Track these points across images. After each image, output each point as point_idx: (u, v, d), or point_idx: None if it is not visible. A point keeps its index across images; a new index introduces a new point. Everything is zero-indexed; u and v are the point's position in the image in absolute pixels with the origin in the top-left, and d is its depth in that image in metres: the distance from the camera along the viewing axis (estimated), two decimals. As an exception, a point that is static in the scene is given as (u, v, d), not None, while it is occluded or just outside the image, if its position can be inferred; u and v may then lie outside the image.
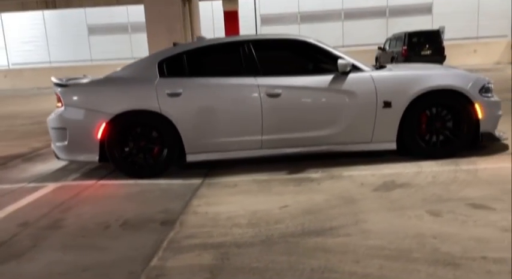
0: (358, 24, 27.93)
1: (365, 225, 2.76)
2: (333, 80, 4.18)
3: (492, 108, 4.29)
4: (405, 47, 16.55)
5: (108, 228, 2.98)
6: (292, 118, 4.22)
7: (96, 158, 4.19)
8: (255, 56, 4.27)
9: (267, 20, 28.99)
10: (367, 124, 4.23)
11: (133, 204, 3.49)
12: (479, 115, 4.22)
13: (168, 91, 4.13)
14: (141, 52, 28.71)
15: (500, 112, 4.40)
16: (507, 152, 4.37)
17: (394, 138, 4.26)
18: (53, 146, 4.38)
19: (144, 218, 3.13)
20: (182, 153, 4.24)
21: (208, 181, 4.04)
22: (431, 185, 3.47)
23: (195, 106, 4.17)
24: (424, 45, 16.55)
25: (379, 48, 19.57)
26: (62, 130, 4.22)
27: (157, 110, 4.11)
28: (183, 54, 4.32)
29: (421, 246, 2.40)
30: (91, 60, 29.38)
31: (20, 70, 26.75)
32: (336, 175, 3.95)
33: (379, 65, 4.95)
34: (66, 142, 4.22)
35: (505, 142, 4.62)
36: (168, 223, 3.02)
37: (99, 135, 4.12)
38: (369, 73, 4.24)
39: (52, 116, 4.29)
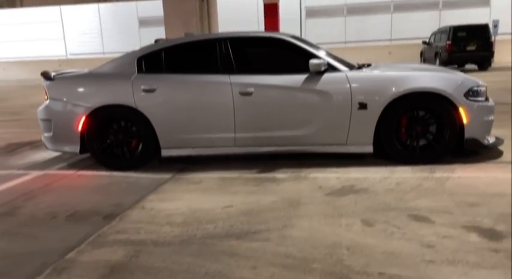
0: (408, 17, 26.81)
1: (290, 231, 2.70)
2: (306, 80, 4.09)
3: (480, 113, 4.02)
4: (449, 42, 15.68)
5: (54, 218, 3.14)
6: (264, 117, 4.18)
7: (78, 149, 4.40)
8: (231, 54, 4.27)
9: (312, 12, 28.57)
10: (342, 126, 4.11)
11: (93, 196, 3.64)
12: (464, 120, 3.97)
13: (144, 87, 4.23)
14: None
15: (491, 117, 4.11)
16: (497, 160, 4.08)
17: (371, 140, 4.11)
18: (42, 137, 4.64)
19: (93, 211, 3.26)
20: (159, 148, 4.34)
21: (178, 176, 4.12)
22: (388, 193, 3.33)
23: (169, 102, 4.24)
24: (470, 40, 15.56)
25: (424, 42, 18.71)
26: (47, 121, 4.46)
27: (133, 105, 4.23)
28: (162, 51, 4.40)
29: (327, 257, 2.32)
30: (141, 51, 30.35)
31: (76, 60, 28.24)
32: (302, 177, 3.89)
33: (363, 64, 4.75)
34: (51, 133, 4.46)
35: (501, 148, 4.33)
36: (111, 216, 3.12)
37: (80, 128, 4.31)
38: (344, 74, 4.10)
39: (40, 108, 4.54)
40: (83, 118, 4.29)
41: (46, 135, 4.52)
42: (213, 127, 4.24)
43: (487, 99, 4.19)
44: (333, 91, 4.06)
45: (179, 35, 8.44)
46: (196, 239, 2.66)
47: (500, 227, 2.60)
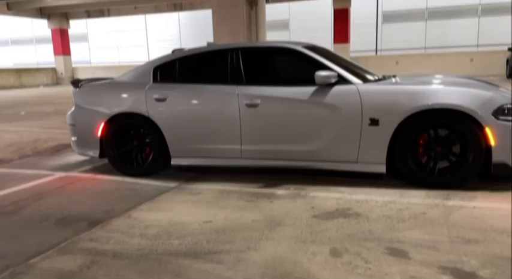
0: (497, 21, 24.69)
1: (250, 254, 2.56)
2: (315, 92, 3.89)
3: (511, 135, 3.52)
4: (537, 49, 14.15)
5: (45, 221, 3.29)
6: (271, 130, 4.05)
7: (98, 154, 4.60)
8: (241, 64, 4.19)
9: (389, 17, 27.43)
10: (352, 143, 3.83)
11: (93, 200, 3.77)
12: (492, 142, 3.51)
13: (156, 96, 4.31)
14: (260, 50, 29.88)
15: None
16: (533, 189, 3.55)
17: (383, 160, 3.79)
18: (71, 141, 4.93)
19: (84, 216, 3.36)
20: (169, 156, 4.40)
21: (183, 185, 4.13)
22: (380, 220, 3.03)
23: (179, 112, 4.28)
24: None
25: (509, 49, 17.07)
26: (73, 126, 4.72)
27: (146, 114, 4.33)
28: (176, 61, 4.45)
29: (268, 288, 2.16)
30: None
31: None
32: (302, 195, 3.69)
33: (384, 76, 4.41)
34: (76, 138, 4.72)
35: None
36: (96, 223, 3.20)
37: (99, 133, 4.51)
38: (355, 86, 3.83)
39: (68, 113, 4.83)
40: (102, 125, 4.48)
41: (73, 139, 4.79)
42: (220, 138, 4.19)
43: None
44: (342, 105, 3.81)
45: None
46: (154, 255, 2.62)
47: (485, 272, 2.23)
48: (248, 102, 4.04)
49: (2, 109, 12.41)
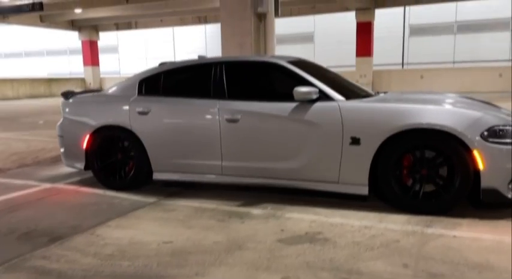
0: (531, 35, 23.82)
1: (194, 280, 2.42)
2: (296, 108, 3.73)
3: (503, 158, 3.25)
4: None
5: (10, 234, 3.25)
6: (251, 146, 3.91)
7: (83, 166, 4.58)
8: (224, 78, 4.10)
9: (417, 30, 26.90)
10: (333, 162, 3.65)
11: (66, 214, 3.71)
12: (480, 166, 3.25)
13: (139, 109, 4.26)
14: (284, 62, 29.88)
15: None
16: (527, 217, 3.27)
17: (365, 180, 3.58)
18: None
19: (49, 231, 3.31)
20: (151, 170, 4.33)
21: (162, 201, 4.03)
22: (347, 247, 2.83)
23: (160, 126, 4.20)
24: None
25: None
26: (61, 137, 4.73)
27: (128, 127, 4.28)
28: (161, 74, 4.40)
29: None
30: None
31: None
32: (277, 215, 3.52)
33: (376, 93, 4.22)
34: (63, 149, 4.72)
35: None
36: (56, 239, 3.13)
37: (85, 145, 4.49)
38: (337, 103, 3.65)
39: (57, 124, 4.84)
40: (87, 137, 4.46)
41: (61, 150, 4.79)
42: (201, 154, 4.09)
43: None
44: (322, 122, 3.64)
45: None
46: (98, 277, 2.51)
47: (438, 314, 2.01)
48: (229, 117, 3.93)
49: (24, 117, 12.76)
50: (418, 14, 25.99)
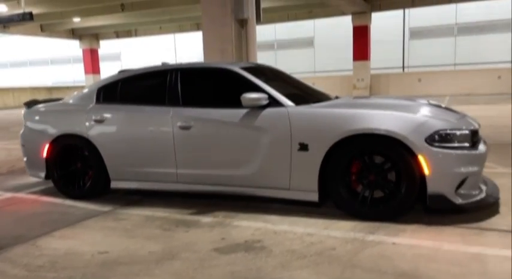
0: (531, 36, 23.58)
1: (111, 292, 2.38)
2: (246, 115, 3.69)
3: (449, 163, 3.18)
4: None
5: (-49, 245, 3.24)
6: (203, 154, 3.88)
7: (44, 175, 4.57)
8: (178, 85, 4.07)
9: (417, 33, 26.76)
10: (283, 169, 3.60)
11: (14, 224, 3.70)
12: (426, 171, 3.18)
13: (95, 118, 4.25)
14: (284, 68, 29.87)
15: (471, 169, 3.23)
16: (479, 224, 3.17)
17: (315, 187, 3.52)
18: (25, 161, 4.93)
19: (-9, 242, 3.30)
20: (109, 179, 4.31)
21: (116, 210, 4.00)
22: (281, 255, 2.77)
23: (116, 134, 4.19)
24: None
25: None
26: (23, 147, 4.73)
27: (85, 135, 4.26)
28: (119, 81, 4.39)
29: None
30: (241, 75, 31.38)
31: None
32: (225, 223, 3.47)
33: (336, 97, 4.18)
34: (26, 158, 4.72)
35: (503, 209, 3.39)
36: (-5, 250, 3.12)
37: (45, 154, 4.48)
38: (285, 109, 3.61)
39: (20, 133, 4.84)
40: (47, 146, 4.45)
41: (24, 159, 4.79)
42: (156, 162, 4.06)
43: (474, 145, 3.32)
44: (271, 128, 3.60)
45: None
46: (19, 288, 2.49)
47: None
48: (181, 124, 3.90)
49: (15, 126, 12.83)
50: (418, 16, 25.87)
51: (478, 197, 3.30)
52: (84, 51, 28.43)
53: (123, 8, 18.22)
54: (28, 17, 11.38)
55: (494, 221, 3.21)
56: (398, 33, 27.14)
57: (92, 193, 4.36)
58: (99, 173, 4.28)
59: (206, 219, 3.61)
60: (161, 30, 26.40)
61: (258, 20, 8.69)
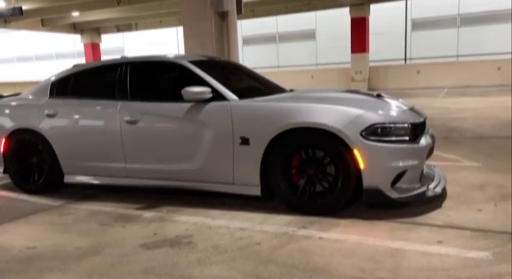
0: (535, 26, 23.09)
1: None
2: (190, 109, 3.66)
3: (384, 157, 3.12)
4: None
5: None
6: (150, 148, 3.86)
7: (1, 170, 4.59)
8: (127, 79, 4.05)
9: (419, 24, 26.38)
10: (226, 163, 3.57)
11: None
12: (361, 165, 3.13)
13: (47, 112, 4.25)
14: (286, 61, 29.72)
15: (411, 163, 3.17)
16: (414, 219, 3.12)
17: (257, 181, 3.49)
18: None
19: None
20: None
21: (66, 205, 4.00)
22: (204, 251, 2.75)
23: (66, 128, 4.18)
24: None
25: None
26: (-17, 142, 4.74)
27: (38, 130, 4.27)
28: (71, 76, 4.38)
29: None
30: (243, 68, 31.24)
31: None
32: (166, 218, 3.46)
33: (291, 90, 4.13)
34: (-14, 154, 4.74)
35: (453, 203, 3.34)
36: None
37: (2, 149, 4.50)
38: (228, 103, 3.57)
39: (-20, 128, 4.85)
40: (3, 140, 4.46)
41: (-14, 154, 4.81)
42: (106, 156, 4.05)
43: (414, 139, 3.26)
44: (214, 123, 3.57)
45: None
46: None
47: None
48: (128, 118, 3.88)
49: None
50: (420, 7, 25.49)
51: (417, 192, 3.24)
52: (85, 45, 28.52)
53: (119, 1, 18.20)
54: (18, 11, 11.44)
55: (431, 216, 3.15)
56: (400, 25, 26.79)
57: (47, 187, 4.37)
58: (53, 168, 4.29)
59: (149, 214, 3.60)
60: (161, 24, 26.34)
61: (239, 13, 8.62)
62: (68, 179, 4.30)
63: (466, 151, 5.41)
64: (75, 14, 22.10)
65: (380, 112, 3.28)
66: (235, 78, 4.31)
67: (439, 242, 2.66)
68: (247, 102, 3.58)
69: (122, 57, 4.63)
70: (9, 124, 4.43)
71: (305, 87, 21.91)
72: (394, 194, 3.15)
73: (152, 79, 4.14)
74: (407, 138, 3.23)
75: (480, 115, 8.62)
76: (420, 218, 3.12)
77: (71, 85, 4.34)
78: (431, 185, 3.41)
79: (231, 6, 8.26)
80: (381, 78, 20.62)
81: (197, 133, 3.63)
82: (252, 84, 4.32)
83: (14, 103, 4.61)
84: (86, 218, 3.59)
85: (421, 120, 3.46)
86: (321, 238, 2.85)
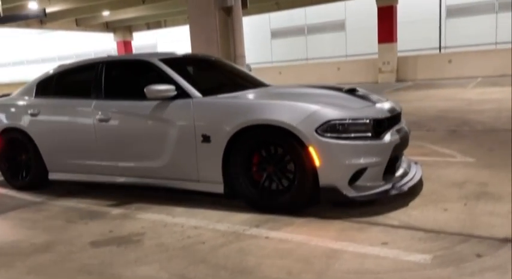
0: None
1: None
2: (156, 107, 3.67)
3: (341, 154, 3.01)
4: None
5: None
6: (121, 146, 3.91)
7: (-7, 168, 4.79)
8: (102, 78, 4.11)
9: (454, 11, 25.24)
10: (190, 161, 3.55)
11: None
12: (317, 163, 3.03)
13: (31, 111, 4.39)
14: (315, 53, 29.29)
15: (364, 160, 3.03)
16: (369, 218, 3.00)
17: (220, 179, 3.46)
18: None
19: None
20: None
21: (46, 201, 4.10)
22: (145, 250, 2.75)
23: (48, 126, 4.30)
24: None
25: None
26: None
27: (24, 129, 4.42)
28: (54, 75, 4.49)
29: None
30: (271, 62, 31.23)
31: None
32: (131, 216, 3.49)
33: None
34: (-20, 151, 4.96)
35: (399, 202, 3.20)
36: None
37: (-6, 147, 4.70)
38: (190, 101, 3.55)
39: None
40: (-5, 139, 4.66)
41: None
42: (83, 154, 4.14)
43: (378, 135, 3.13)
44: (178, 120, 3.56)
45: (204, 52, 8.47)
46: None
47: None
48: (100, 116, 3.94)
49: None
50: (455, -7, 24.43)
51: (379, 190, 3.10)
52: (118, 43, 29.30)
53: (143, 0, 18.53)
54: (42, 13, 11.90)
55: (391, 215, 3.01)
56: (433, 12, 25.73)
57: (34, 183, 4.52)
58: (38, 165, 4.43)
59: (117, 211, 3.65)
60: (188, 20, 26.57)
61: (244, 7, 8.55)
62: (52, 176, 4.42)
63: (466, 146, 5.14)
64: (106, 13, 22.71)
65: (339, 108, 3.16)
66: (212, 75, 4.28)
67: (384, 244, 2.54)
68: (209, 99, 3.55)
69: (108, 56, 4.71)
70: (0, 123, 4.61)
71: (330, 80, 21.53)
72: (351, 193, 3.03)
73: (124, 78, 4.19)
74: (369, 134, 3.10)
75: (501, 107, 8.16)
76: (379, 218, 2.98)
77: (53, 85, 4.46)
78: (400, 183, 3.26)
79: (235, 1, 8.21)
80: (410, 69, 19.94)
81: (162, 130, 3.64)
82: (227, 81, 4.28)
83: (4, 103, 4.79)
84: (57, 214, 3.68)
85: (387, 115, 3.30)
86: (267, 238, 2.79)
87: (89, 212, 3.67)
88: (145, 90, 3.57)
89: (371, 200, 3.12)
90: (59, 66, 4.64)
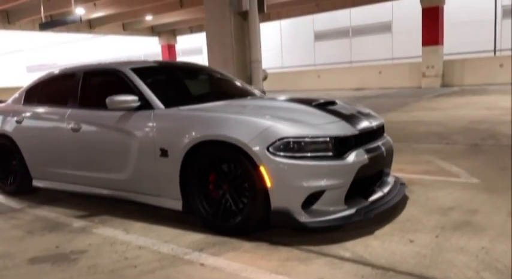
0: None
1: None
2: (120, 118, 3.56)
3: (293, 175, 2.73)
4: None
5: None
6: (90, 156, 3.84)
7: (-12, 172, 4.90)
8: (79, 87, 4.06)
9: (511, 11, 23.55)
10: (150, 174, 3.41)
11: None
12: (268, 183, 2.77)
13: (16, 118, 4.43)
14: (360, 55, 28.43)
15: (322, 182, 2.74)
16: (313, 247, 2.70)
17: (178, 195, 3.28)
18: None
19: None
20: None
21: (25, 209, 4.11)
22: (77, 271, 2.62)
23: (30, 134, 4.33)
24: None
25: None
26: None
27: (10, 135, 4.48)
28: (40, 83, 4.52)
29: None
30: (314, 65, 30.76)
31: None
32: (87, 230, 3.37)
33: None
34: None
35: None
36: None
37: (-16, 153, 4.79)
38: (151, 112, 3.40)
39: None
40: (-14, 145, 4.76)
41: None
42: (59, 163, 4.11)
43: (340, 154, 2.83)
44: (139, 132, 3.42)
45: (217, 58, 8.37)
46: None
47: None
48: (72, 126, 3.89)
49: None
50: (511, -8, 22.79)
51: (338, 215, 2.79)
52: (162, 47, 30.04)
53: (181, 4, 18.81)
54: (78, 19, 12.37)
55: (348, 245, 2.69)
56: (488, 12, 24.20)
57: (20, 189, 4.56)
58: (23, 172, 4.47)
59: (79, 223, 3.56)
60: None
61: (261, 11, 8.33)
62: (36, 183, 4.44)
63: (479, 163, 4.65)
64: (149, 17, 23.31)
65: (296, 124, 2.87)
66: (191, 84, 4.12)
67: (317, 281, 2.24)
68: (170, 111, 3.38)
69: (100, 63, 4.68)
70: (-11, 129, 4.70)
71: (371, 85, 20.73)
72: (304, 218, 2.74)
73: (97, 87, 4.11)
74: (329, 154, 2.80)
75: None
76: (332, 247, 2.67)
77: (38, 93, 4.49)
78: (369, 208, 2.92)
79: (251, 5, 8.03)
80: (457, 73, 18.80)
81: (125, 142, 3.51)
82: (206, 90, 4.10)
83: (-2, 110, 4.89)
84: (25, 224, 3.66)
85: (354, 132, 2.97)
86: (202, 265, 2.57)
87: (53, 223, 3.61)
88: (106, 100, 3.46)
89: (325, 226, 2.80)
90: (46, 74, 4.67)
